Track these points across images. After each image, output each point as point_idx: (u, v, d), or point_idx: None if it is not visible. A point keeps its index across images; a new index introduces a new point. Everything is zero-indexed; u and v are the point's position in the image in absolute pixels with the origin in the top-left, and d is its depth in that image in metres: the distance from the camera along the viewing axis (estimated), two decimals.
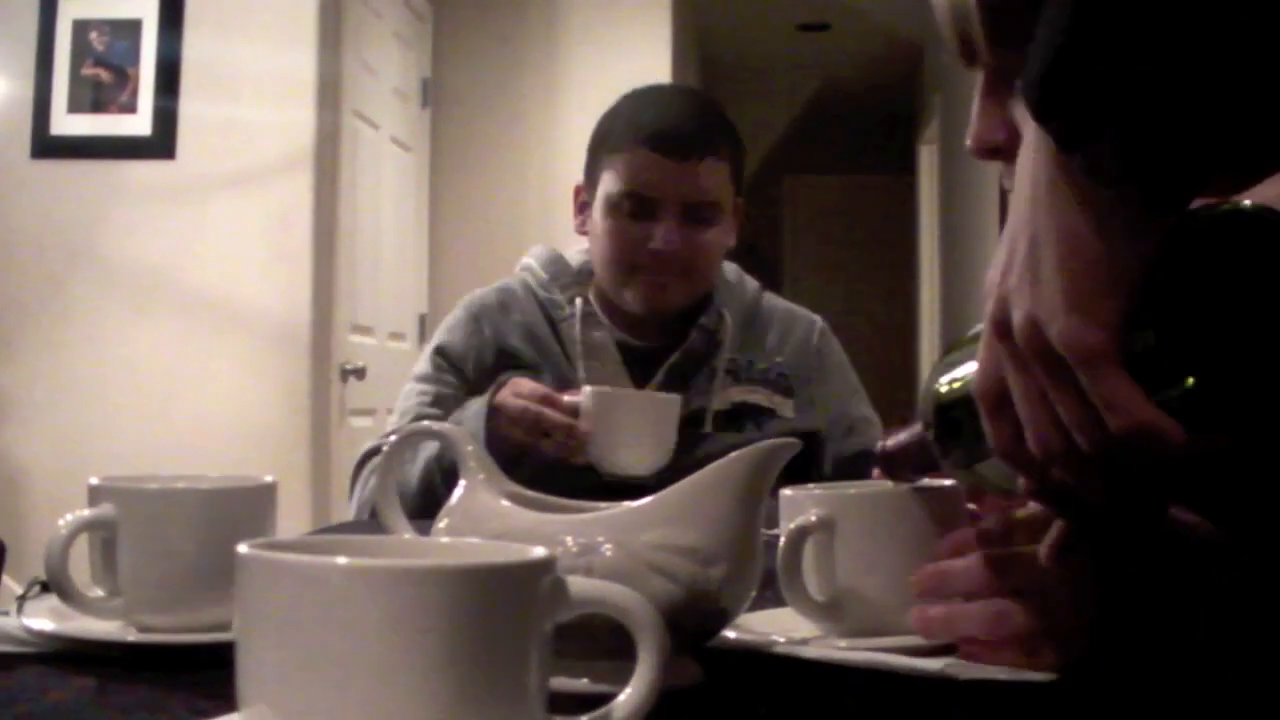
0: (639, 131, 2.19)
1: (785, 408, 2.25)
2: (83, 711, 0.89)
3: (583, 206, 2.30)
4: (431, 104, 6.03)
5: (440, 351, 2.27)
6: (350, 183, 4.97)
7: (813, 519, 1.08)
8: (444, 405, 2.20)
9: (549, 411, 1.91)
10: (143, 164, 4.60)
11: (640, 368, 2.24)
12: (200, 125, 4.60)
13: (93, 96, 4.59)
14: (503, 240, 5.61)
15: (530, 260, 2.35)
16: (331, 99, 4.78)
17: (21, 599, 1.14)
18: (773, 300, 2.42)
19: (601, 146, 2.25)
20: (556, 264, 2.33)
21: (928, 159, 9.08)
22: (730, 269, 2.39)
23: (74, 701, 0.91)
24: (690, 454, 1.95)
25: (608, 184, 2.21)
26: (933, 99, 8.73)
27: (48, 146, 4.59)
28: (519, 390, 1.97)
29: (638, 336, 2.27)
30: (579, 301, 2.25)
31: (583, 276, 2.31)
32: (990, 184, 6.33)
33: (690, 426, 2.15)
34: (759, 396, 2.24)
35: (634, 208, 2.18)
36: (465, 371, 2.24)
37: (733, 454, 0.96)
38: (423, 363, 2.29)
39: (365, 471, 2.17)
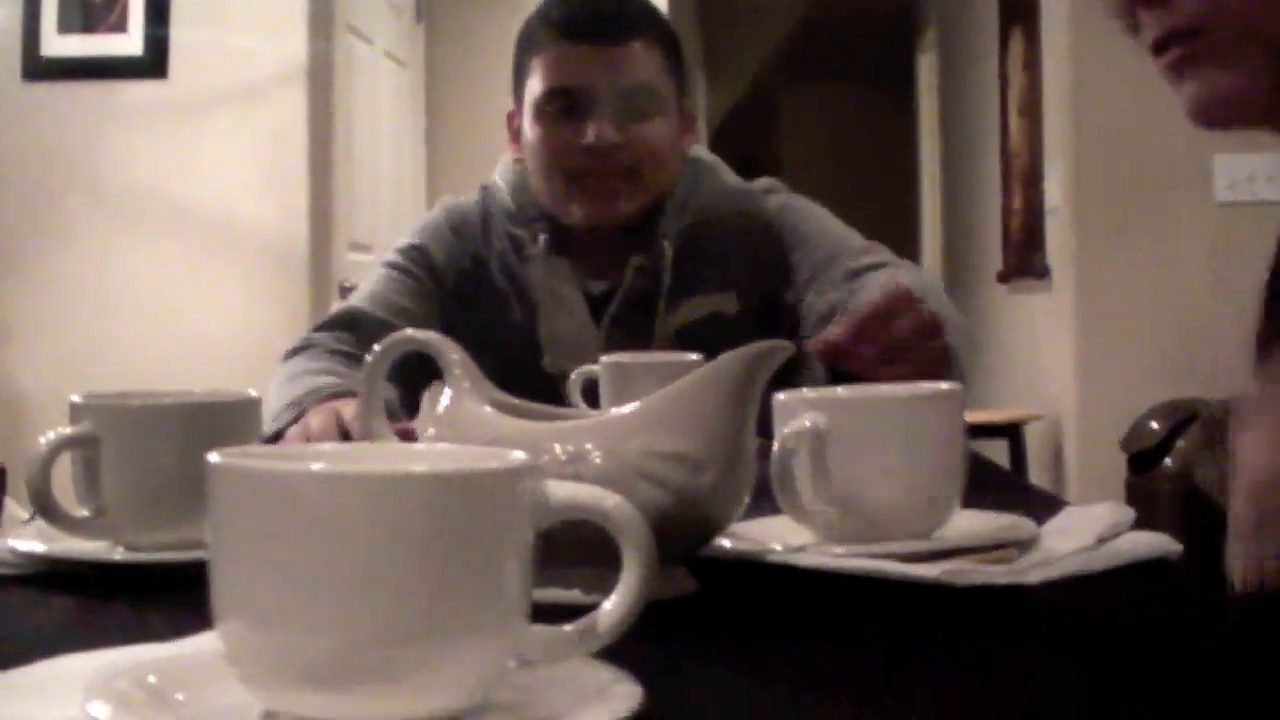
0: (555, 24, 2.00)
1: (729, 303, 2.05)
2: (67, 631, 0.88)
3: (517, 134, 2.11)
4: (425, 18, 5.97)
5: (421, 250, 2.10)
6: (345, 99, 4.93)
7: (807, 425, 1.05)
8: (420, 300, 2.06)
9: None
10: (135, 84, 4.56)
11: (597, 313, 2.06)
12: (192, 43, 4.55)
13: (82, 17, 4.54)
14: (499, 154, 5.56)
15: (499, 180, 2.17)
16: (324, 13, 4.73)
17: (28, 523, 1.14)
18: (723, 205, 2.12)
19: (522, 55, 2.06)
20: (523, 193, 2.12)
21: (926, 67, 9.01)
22: (700, 162, 2.16)
23: (58, 621, 0.91)
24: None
25: (533, 90, 2.02)
26: (931, 6, 8.65)
27: (39, 68, 4.55)
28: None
29: (595, 275, 2.09)
30: (543, 239, 2.06)
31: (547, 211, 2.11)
32: (990, 94, 6.28)
33: None
34: (699, 307, 2.05)
35: (562, 106, 1.99)
36: (444, 283, 2.09)
37: (723, 355, 0.94)
38: (396, 255, 2.11)
39: (282, 374, 1.93)
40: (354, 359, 1.92)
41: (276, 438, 1.67)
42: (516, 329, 2.06)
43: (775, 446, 1.05)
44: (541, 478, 0.63)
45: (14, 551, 1.06)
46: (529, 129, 2.04)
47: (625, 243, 2.06)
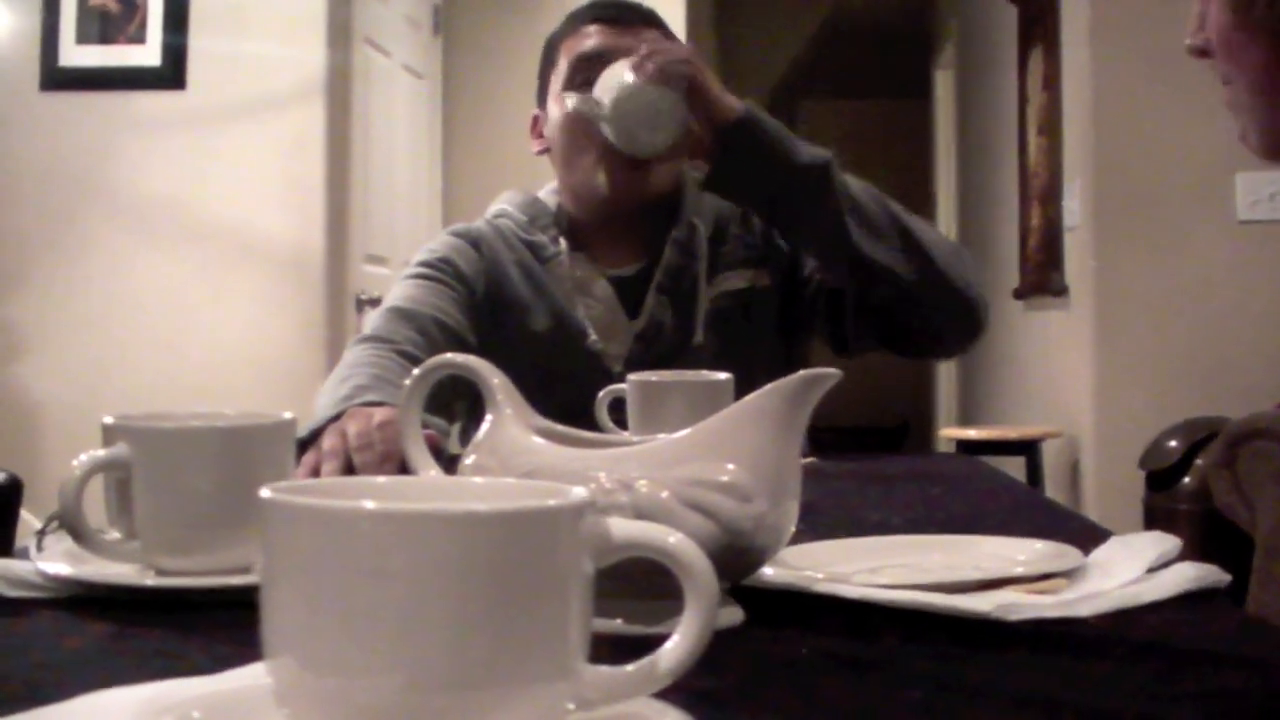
0: (580, 15, 2.18)
1: (761, 277, 2.17)
2: (100, 659, 0.87)
3: (540, 133, 2.23)
4: (443, 31, 5.97)
5: (447, 261, 2.14)
6: (362, 111, 4.93)
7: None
8: (457, 307, 2.09)
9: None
10: (152, 95, 4.56)
11: (628, 297, 2.15)
12: (210, 54, 4.55)
13: (101, 27, 4.54)
14: (515, 167, 5.54)
15: (505, 205, 2.24)
16: (343, 26, 4.73)
17: (41, 534, 1.11)
18: None
19: (549, 50, 2.22)
20: (534, 206, 2.22)
21: (943, 83, 8.99)
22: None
23: (91, 649, 0.89)
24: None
25: (560, 72, 2.16)
26: (949, 22, 8.64)
27: (56, 78, 4.55)
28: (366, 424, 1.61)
29: (617, 264, 2.18)
30: (564, 241, 2.16)
31: (561, 217, 2.20)
32: (1009, 111, 6.26)
33: (680, 338, 2.10)
34: (735, 281, 2.15)
35: (585, 77, 2.06)
36: (476, 292, 2.13)
37: (770, 385, 0.92)
38: (421, 267, 2.14)
39: (345, 362, 1.95)
40: (417, 361, 1.92)
41: (316, 436, 1.64)
42: (550, 320, 2.12)
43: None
44: (602, 514, 0.62)
45: (43, 574, 1.04)
46: (555, 111, 2.16)
47: (640, 231, 2.19)
